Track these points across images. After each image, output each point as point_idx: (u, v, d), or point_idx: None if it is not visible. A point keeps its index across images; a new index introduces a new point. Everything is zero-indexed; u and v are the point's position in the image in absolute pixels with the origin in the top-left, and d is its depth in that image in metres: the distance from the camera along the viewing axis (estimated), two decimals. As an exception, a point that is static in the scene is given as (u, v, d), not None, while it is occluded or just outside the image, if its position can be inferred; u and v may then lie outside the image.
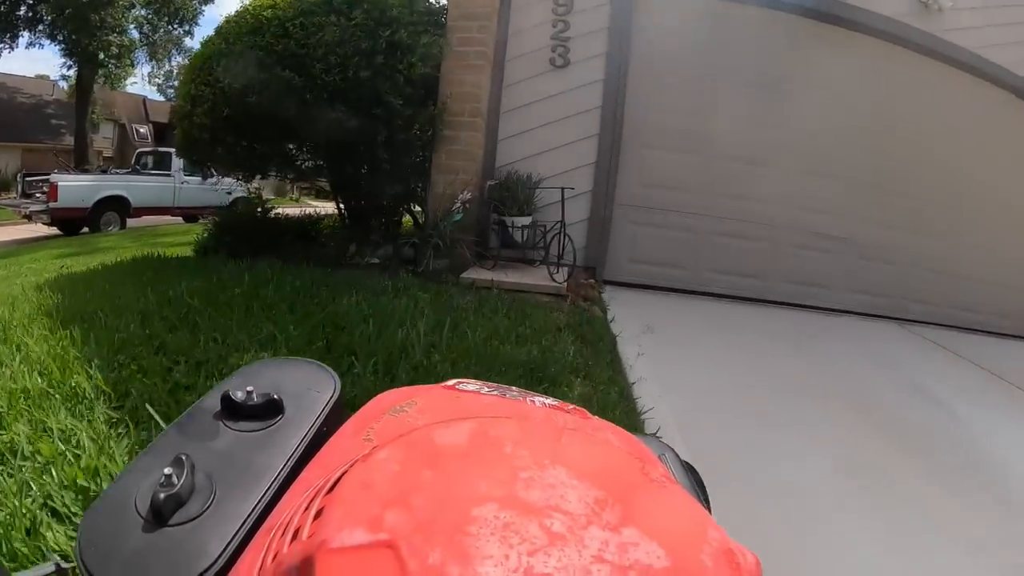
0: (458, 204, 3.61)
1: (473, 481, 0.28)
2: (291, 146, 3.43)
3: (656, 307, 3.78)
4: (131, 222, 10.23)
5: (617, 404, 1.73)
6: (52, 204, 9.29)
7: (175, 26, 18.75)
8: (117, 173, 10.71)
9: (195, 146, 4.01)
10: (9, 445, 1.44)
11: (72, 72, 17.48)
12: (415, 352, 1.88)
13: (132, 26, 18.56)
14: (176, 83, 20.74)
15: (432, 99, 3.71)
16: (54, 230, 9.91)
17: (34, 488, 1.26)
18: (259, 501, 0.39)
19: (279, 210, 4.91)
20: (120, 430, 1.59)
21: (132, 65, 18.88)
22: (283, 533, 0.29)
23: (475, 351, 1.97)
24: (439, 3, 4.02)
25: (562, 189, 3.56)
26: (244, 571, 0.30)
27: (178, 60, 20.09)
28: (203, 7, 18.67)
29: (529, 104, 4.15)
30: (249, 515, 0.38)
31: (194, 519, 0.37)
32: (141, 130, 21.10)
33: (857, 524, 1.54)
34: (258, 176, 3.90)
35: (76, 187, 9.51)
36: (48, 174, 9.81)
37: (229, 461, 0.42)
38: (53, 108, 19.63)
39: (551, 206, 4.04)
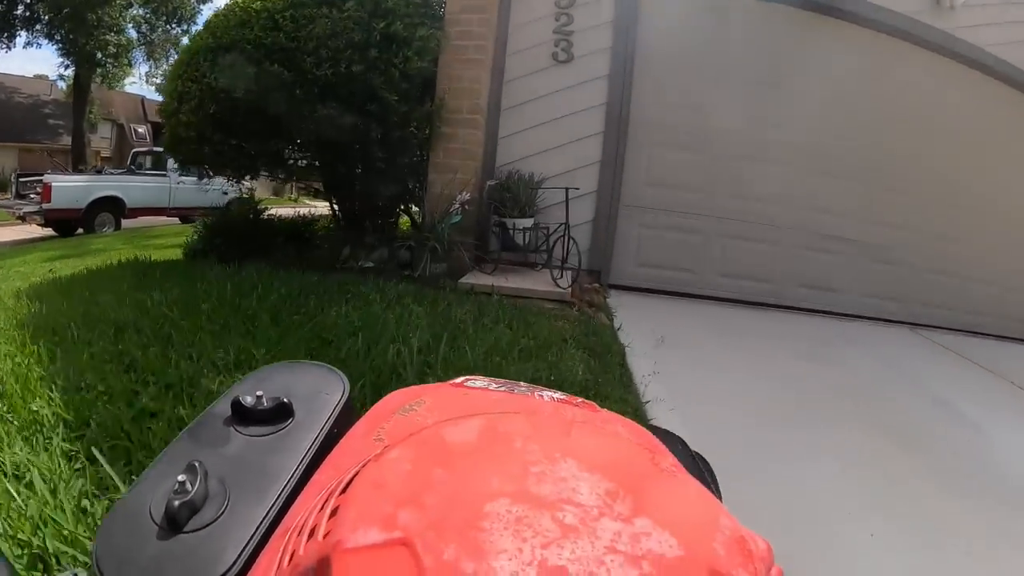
0: (456, 205, 3.44)
1: (484, 477, 0.28)
2: (281, 144, 3.26)
3: (664, 314, 3.60)
4: (126, 223, 10.07)
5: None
6: (45, 205, 9.14)
7: (173, 25, 18.60)
8: (111, 173, 10.56)
9: (181, 145, 3.85)
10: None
11: (69, 72, 17.39)
12: (408, 372, 1.71)
13: (130, 25, 18.44)
14: (174, 82, 20.52)
15: (429, 95, 3.54)
16: (49, 231, 9.78)
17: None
18: (273, 504, 0.39)
19: (273, 211, 4.74)
20: (77, 466, 1.42)
21: (130, 64, 18.75)
22: (298, 535, 0.29)
23: (474, 370, 1.80)
24: (437, -5, 3.85)
25: (566, 189, 3.38)
26: (261, 574, 0.31)
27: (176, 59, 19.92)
28: (201, 6, 18.52)
29: (531, 100, 3.98)
30: (264, 519, 0.38)
31: (209, 525, 0.37)
32: (139, 130, 20.97)
33: (894, 558, 1.37)
34: (247, 176, 3.72)
35: (70, 188, 9.36)
36: (42, 174, 9.66)
37: (242, 466, 0.42)
38: (51, 108, 19.51)
39: (554, 207, 3.87)
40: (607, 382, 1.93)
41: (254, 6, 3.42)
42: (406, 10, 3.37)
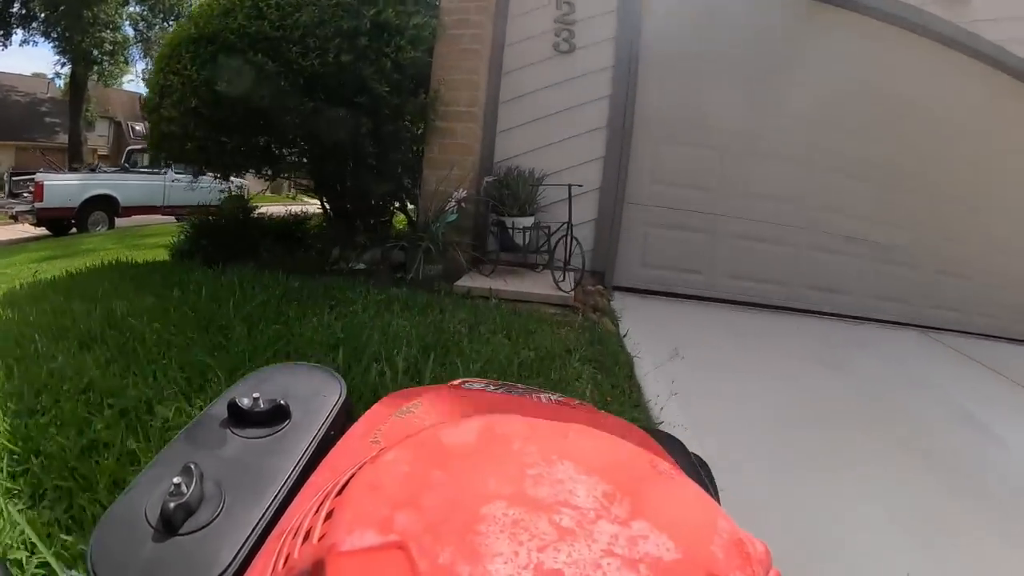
0: (452, 203, 3.25)
1: (481, 479, 0.28)
2: (265, 140, 3.07)
3: (671, 319, 3.42)
4: (120, 222, 9.92)
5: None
6: (38, 204, 9.01)
7: (170, 23, 18.42)
8: (105, 172, 10.39)
9: (165, 141, 3.66)
10: None
11: (66, 70, 17.26)
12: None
13: (126, 22, 18.27)
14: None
15: (423, 87, 3.34)
16: (42, 231, 9.64)
17: None
18: (269, 507, 0.39)
19: (263, 209, 4.56)
20: (19, 505, 1.24)
21: (126, 62, 18.60)
22: (294, 537, 0.29)
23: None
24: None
25: (569, 186, 3.19)
26: None
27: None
28: (198, 3, 18.32)
29: (531, 93, 3.78)
30: (259, 521, 0.38)
31: (205, 527, 0.37)
32: (137, 127, 20.78)
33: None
34: (232, 174, 3.54)
35: (62, 186, 9.22)
36: (34, 173, 9.51)
37: (238, 468, 0.42)
38: (48, 106, 19.37)
39: (555, 205, 3.67)
40: (616, 399, 1.75)
41: (239, -7, 3.23)
42: (399, -4, 3.17)
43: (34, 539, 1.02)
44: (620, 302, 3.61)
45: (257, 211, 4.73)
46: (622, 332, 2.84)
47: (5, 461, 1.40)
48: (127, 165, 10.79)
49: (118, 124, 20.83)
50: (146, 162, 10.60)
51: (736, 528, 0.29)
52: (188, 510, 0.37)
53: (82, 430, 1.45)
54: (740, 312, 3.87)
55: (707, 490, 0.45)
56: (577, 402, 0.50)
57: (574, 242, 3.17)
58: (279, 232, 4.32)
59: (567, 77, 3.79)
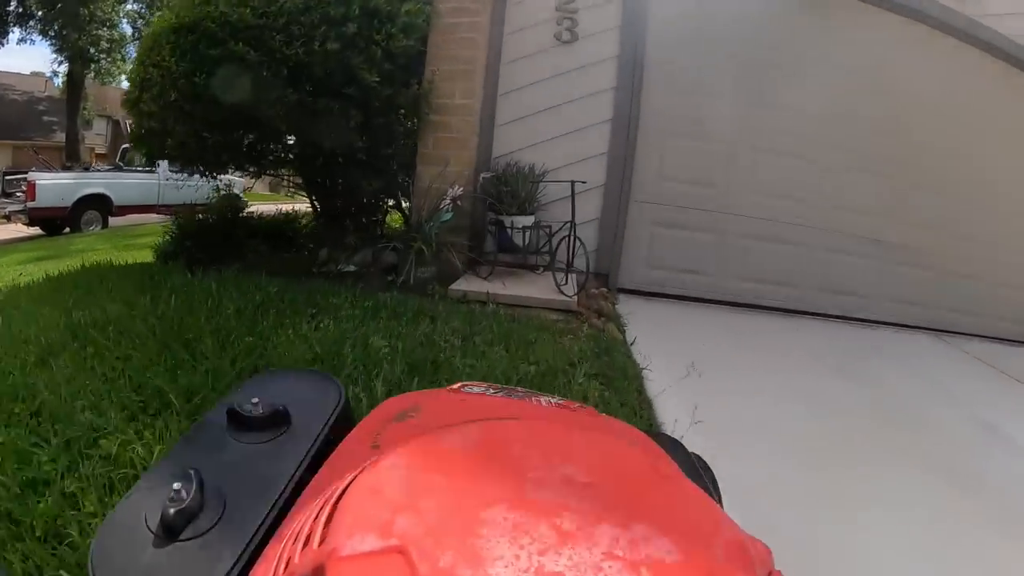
0: (447, 201, 3.05)
1: (481, 483, 0.29)
2: (248, 135, 2.88)
3: (680, 324, 3.22)
4: (115, 221, 9.77)
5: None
6: (30, 204, 8.87)
7: (167, 19, 18.20)
8: (98, 170, 10.23)
9: (145, 137, 3.48)
10: None
11: (63, 68, 17.14)
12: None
13: (123, 20, 18.10)
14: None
15: (417, 77, 3.14)
16: (36, 230, 9.50)
17: None
18: (269, 512, 0.39)
19: (256, 208, 4.38)
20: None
21: (124, 60, 18.42)
22: (294, 542, 0.29)
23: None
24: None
25: (572, 183, 2.98)
26: None
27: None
28: None
29: (531, 85, 3.58)
30: (260, 526, 0.38)
31: (205, 533, 0.37)
32: (135, 126, 20.64)
33: None
34: (214, 172, 3.35)
35: (55, 186, 9.07)
36: (26, 172, 9.35)
37: (238, 473, 0.41)
38: (45, 105, 19.25)
39: (557, 203, 3.47)
40: (627, 421, 1.55)
41: (221, -21, 3.03)
42: (390, -19, 2.97)
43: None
44: (625, 305, 3.42)
45: (247, 210, 4.58)
46: (629, 340, 2.65)
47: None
48: (121, 164, 10.63)
49: (116, 122, 20.70)
50: (143, 160, 10.43)
51: (738, 529, 0.29)
52: (188, 516, 0.36)
53: (25, 463, 1.26)
54: (749, 316, 3.68)
55: (708, 492, 0.43)
56: (577, 405, 0.49)
57: (577, 242, 2.96)
58: (269, 232, 4.14)
59: (569, 68, 3.59)
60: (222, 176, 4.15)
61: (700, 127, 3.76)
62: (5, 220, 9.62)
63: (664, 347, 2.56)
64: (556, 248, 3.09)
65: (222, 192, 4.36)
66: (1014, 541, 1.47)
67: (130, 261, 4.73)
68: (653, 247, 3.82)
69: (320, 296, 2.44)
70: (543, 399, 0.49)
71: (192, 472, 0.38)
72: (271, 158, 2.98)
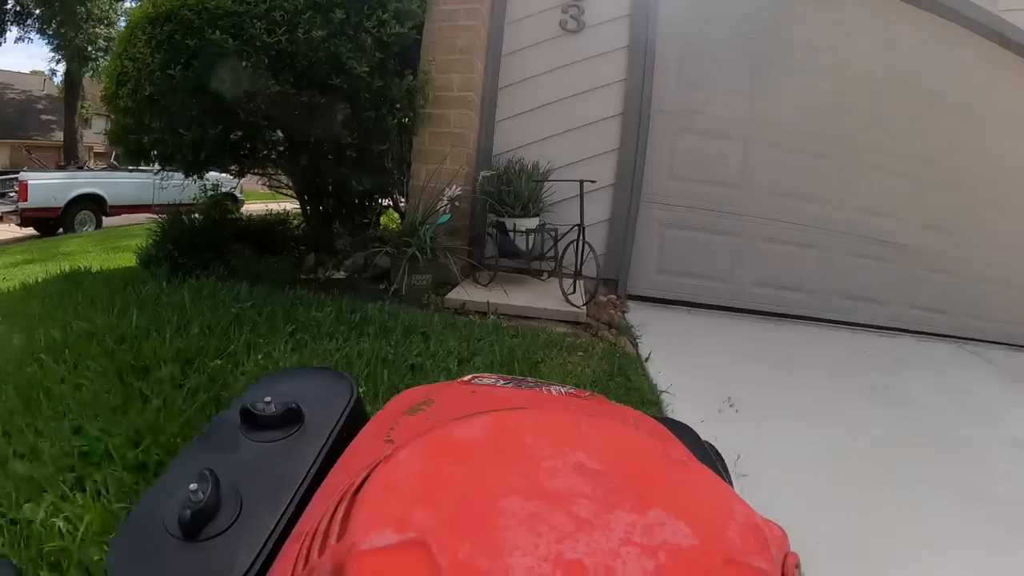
0: (444, 202, 2.82)
1: (496, 474, 0.29)
2: (226, 131, 2.65)
3: (697, 336, 2.98)
4: (109, 221, 9.57)
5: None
6: (22, 204, 8.68)
7: (166, 17, 18.04)
8: (92, 170, 10.04)
9: (122, 135, 3.25)
10: None
11: (61, 67, 17.02)
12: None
13: (121, 18, 17.94)
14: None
15: (411, 68, 2.90)
16: (30, 231, 9.32)
17: None
18: (286, 510, 0.39)
19: (250, 208, 4.15)
20: None
21: (122, 58, 18.19)
22: (312, 539, 0.29)
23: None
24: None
25: (581, 182, 2.73)
26: None
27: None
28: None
29: (535, 77, 3.34)
30: (277, 524, 0.38)
31: (223, 532, 0.37)
32: (134, 126, 20.46)
33: None
34: (196, 172, 3.12)
35: (47, 186, 8.89)
36: (18, 172, 9.17)
37: (254, 472, 0.41)
38: (44, 104, 19.11)
39: (563, 204, 3.24)
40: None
41: (198, -36, 2.80)
42: (381, -37, 2.73)
43: None
44: (636, 314, 3.18)
45: (242, 210, 4.36)
46: (643, 355, 2.41)
47: None
48: (116, 163, 10.43)
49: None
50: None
51: (752, 513, 0.28)
52: (205, 516, 0.36)
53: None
54: (766, 324, 3.45)
55: (721, 476, 0.42)
56: (588, 393, 0.51)
57: (586, 247, 2.72)
58: (258, 235, 3.91)
59: (576, 59, 3.35)
60: (209, 175, 3.92)
61: (714, 123, 3.52)
62: (-2, 221, 9.44)
63: (682, 365, 2.33)
64: (563, 253, 2.85)
65: (210, 192, 4.14)
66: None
67: (114, 266, 4.54)
68: (664, 251, 3.59)
69: (302, 308, 2.20)
70: (553, 388, 0.49)
71: (208, 472, 0.38)
72: (254, 155, 2.75)
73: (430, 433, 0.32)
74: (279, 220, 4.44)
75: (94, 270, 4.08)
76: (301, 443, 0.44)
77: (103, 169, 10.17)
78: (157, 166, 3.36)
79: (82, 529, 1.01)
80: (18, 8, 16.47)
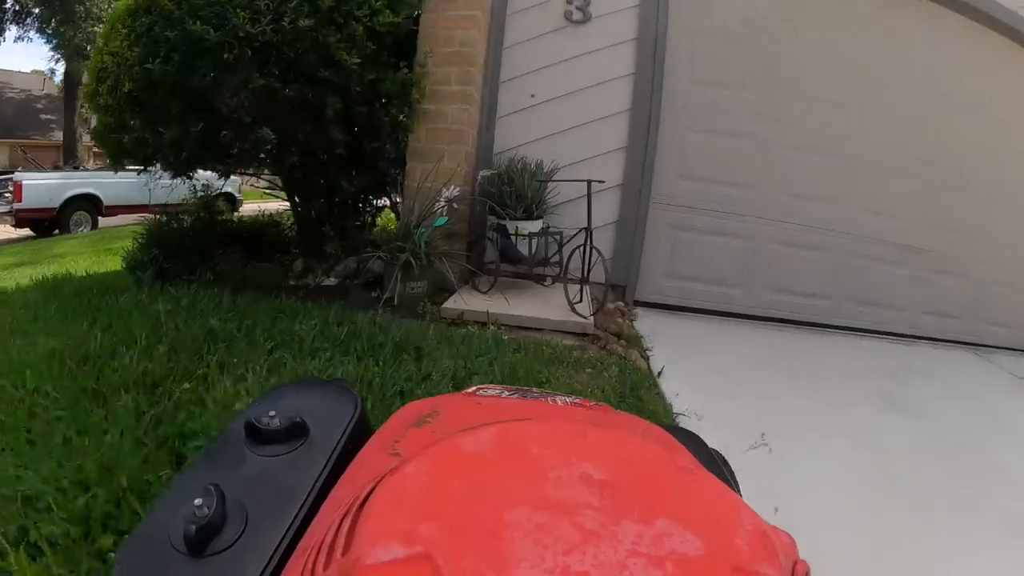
0: (442, 203, 2.64)
1: (502, 485, 0.28)
2: (209, 128, 2.48)
3: (709, 347, 2.79)
4: (105, 221, 9.44)
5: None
6: (16, 205, 8.56)
7: (165, 15, 17.92)
8: (87, 170, 9.91)
9: (104, 134, 3.09)
10: None
11: (61, 66, 16.94)
12: None
13: (120, 16, 17.82)
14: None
15: (407, 60, 2.72)
16: (27, 232, 9.21)
17: None
18: (292, 524, 0.39)
19: (245, 209, 3.98)
20: None
21: (121, 57, 18.10)
22: (318, 553, 0.29)
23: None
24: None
25: (588, 182, 2.55)
26: None
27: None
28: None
29: (538, 70, 3.15)
30: (282, 539, 0.38)
31: (228, 548, 0.37)
32: (134, 125, 20.35)
33: None
34: (178, 172, 2.95)
35: (42, 186, 8.76)
36: (12, 172, 9.05)
37: (259, 486, 0.41)
38: (43, 103, 19.03)
39: (568, 205, 3.05)
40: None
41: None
42: (374, -51, 2.54)
43: None
44: (645, 322, 2.99)
45: (230, 213, 4.20)
46: (656, 369, 2.22)
47: None
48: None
49: (115, 121, 20.39)
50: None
51: (760, 520, 0.28)
52: (211, 531, 0.36)
53: None
54: (780, 332, 3.29)
55: (728, 484, 0.41)
56: (593, 403, 0.49)
57: (595, 253, 2.53)
58: (250, 237, 3.74)
59: (582, 52, 3.16)
60: (202, 174, 3.75)
61: (727, 120, 3.32)
62: (-7, 222, 9.33)
63: (699, 380, 2.14)
64: (568, 259, 2.66)
65: (199, 193, 3.97)
66: None
67: (103, 269, 4.38)
68: (674, 254, 3.40)
69: (287, 320, 2.02)
70: (559, 399, 0.49)
71: (213, 487, 0.37)
72: (238, 154, 2.58)
73: (436, 445, 0.32)
74: (272, 222, 4.28)
75: (80, 275, 3.93)
76: (306, 457, 0.44)
77: (99, 169, 10.03)
78: (141, 166, 3.19)
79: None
80: (17, 7, 16.43)
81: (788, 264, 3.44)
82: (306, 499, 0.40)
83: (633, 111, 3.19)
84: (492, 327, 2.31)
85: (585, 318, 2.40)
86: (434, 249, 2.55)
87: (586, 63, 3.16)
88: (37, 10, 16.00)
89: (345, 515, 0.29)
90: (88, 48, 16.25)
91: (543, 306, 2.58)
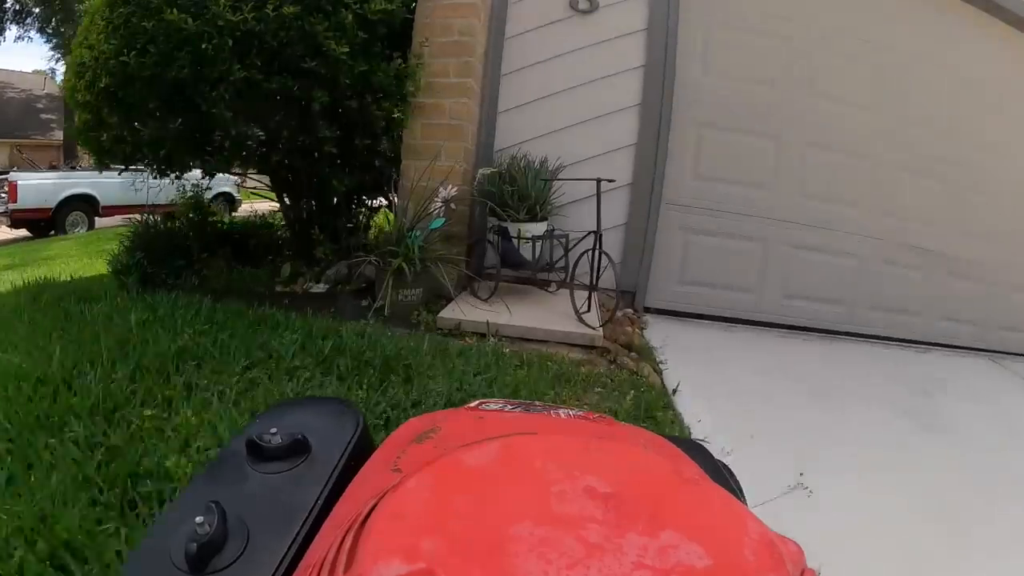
0: (439, 203, 2.45)
1: (505, 500, 0.28)
2: (185, 124, 2.31)
3: (725, 357, 2.61)
4: (102, 221, 9.32)
5: None
6: (12, 206, 8.45)
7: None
8: (83, 170, 9.78)
9: (82, 133, 2.93)
10: None
11: (61, 65, 16.93)
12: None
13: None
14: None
15: (401, 51, 2.54)
16: (23, 232, 9.11)
17: None
18: (293, 541, 0.39)
19: (244, 209, 3.82)
20: None
21: (121, 56, 18.05)
22: (320, 570, 0.28)
23: None
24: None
25: (598, 181, 2.35)
26: None
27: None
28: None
29: (543, 62, 2.96)
30: (284, 556, 0.38)
31: (229, 565, 0.36)
32: (135, 125, 20.28)
33: None
34: (159, 171, 2.78)
35: (38, 187, 8.64)
36: (8, 172, 8.93)
37: (261, 504, 0.41)
38: (44, 103, 18.96)
39: (574, 206, 2.87)
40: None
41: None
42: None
43: None
44: (656, 330, 2.81)
45: (222, 213, 4.05)
46: (670, 385, 2.04)
47: None
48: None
49: (116, 121, 20.34)
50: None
51: (766, 530, 0.28)
52: (212, 549, 0.36)
53: None
54: (797, 341, 3.11)
55: (734, 495, 0.40)
56: (596, 415, 0.49)
57: (605, 259, 2.33)
58: (242, 239, 3.58)
59: (588, 42, 2.97)
60: (193, 173, 3.59)
61: (745, 116, 3.13)
62: (-10, 222, 9.21)
63: (718, 399, 1.95)
64: (575, 264, 2.47)
65: (189, 194, 3.81)
66: None
67: (91, 273, 4.22)
68: (687, 259, 3.21)
69: (267, 333, 1.85)
70: (561, 412, 0.49)
71: (214, 504, 0.37)
72: (220, 152, 2.41)
73: (438, 461, 0.32)
74: (264, 223, 4.11)
75: (64, 280, 3.77)
76: (308, 474, 0.44)
77: (96, 168, 9.91)
78: (122, 166, 3.02)
79: None
80: (17, 7, 16.42)
81: (804, 268, 3.26)
82: (308, 516, 0.40)
83: (643, 106, 3.00)
84: (492, 339, 2.13)
85: (593, 329, 2.21)
86: (430, 253, 2.37)
87: (593, 55, 2.97)
88: (37, 10, 15.98)
89: (347, 532, 0.29)
90: (88, 47, 16.24)
91: (548, 315, 2.40)
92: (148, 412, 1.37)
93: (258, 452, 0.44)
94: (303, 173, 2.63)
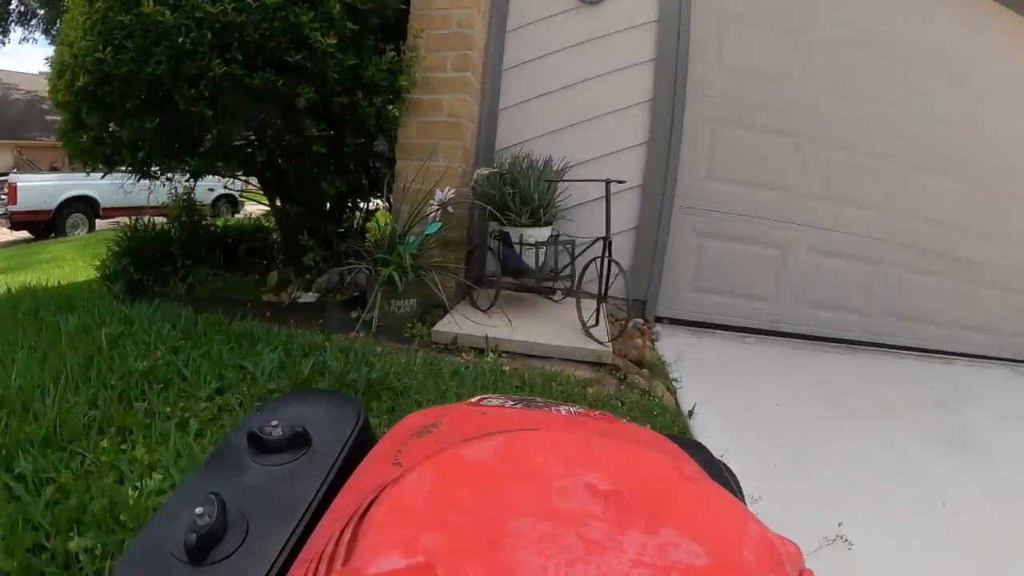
0: (435, 207, 2.29)
1: (506, 495, 0.28)
2: (163, 124, 2.16)
3: (745, 374, 2.42)
4: (102, 223, 9.26)
5: None
6: (11, 207, 8.39)
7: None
8: (84, 171, 9.73)
9: (63, 134, 2.79)
10: None
11: (65, 66, 16.96)
12: None
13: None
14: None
15: (394, 44, 2.38)
16: (24, 234, 9.07)
17: None
18: (293, 533, 0.39)
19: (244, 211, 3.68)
20: None
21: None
22: (319, 563, 0.28)
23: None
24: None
25: (607, 182, 2.17)
26: None
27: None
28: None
29: (546, 56, 2.79)
30: (283, 548, 0.38)
31: (229, 556, 0.37)
32: (140, 126, 20.27)
33: None
34: (139, 172, 2.63)
35: (37, 188, 8.58)
36: (7, 174, 8.89)
37: (260, 496, 0.42)
38: (48, 104, 18.95)
39: (580, 209, 2.69)
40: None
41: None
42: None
43: None
44: (668, 343, 2.63)
45: (210, 217, 3.91)
46: (685, 406, 1.86)
47: None
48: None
49: (121, 122, 20.36)
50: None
51: (766, 530, 0.28)
52: (211, 540, 0.36)
53: None
54: (816, 352, 2.93)
55: (734, 494, 0.41)
56: (597, 413, 0.49)
57: (615, 268, 2.15)
58: (232, 244, 3.44)
59: (595, 35, 2.80)
60: (182, 177, 3.45)
61: (761, 113, 2.95)
62: (-10, 224, 9.17)
63: (739, 422, 1.77)
64: (582, 272, 2.29)
65: (181, 196, 3.67)
66: None
67: (81, 278, 4.11)
68: (700, 265, 3.02)
69: (245, 350, 1.69)
70: (562, 408, 0.49)
71: (213, 496, 0.37)
72: (202, 152, 2.26)
73: (439, 455, 0.32)
74: (258, 227, 3.98)
75: (52, 285, 3.65)
76: (308, 467, 0.44)
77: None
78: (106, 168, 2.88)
79: None
80: (22, 8, 16.50)
81: (824, 276, 3.07)
82: (307, 509, 0.40)
83: (654, 102, 2.82)
84: (491, 355, 1.96)
85: (602, 344, 2.04)
86: (426, 260, 2.20)
87: (600, 48, 2.79)
88: (42, 11, 16.04)
89: (346, 525, 0.29)
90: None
91: (552, 328, 2.22)
92: (104, 444, 1.21)
93: (259, 444, 0.44)
94: (291, 175, 2.47)
